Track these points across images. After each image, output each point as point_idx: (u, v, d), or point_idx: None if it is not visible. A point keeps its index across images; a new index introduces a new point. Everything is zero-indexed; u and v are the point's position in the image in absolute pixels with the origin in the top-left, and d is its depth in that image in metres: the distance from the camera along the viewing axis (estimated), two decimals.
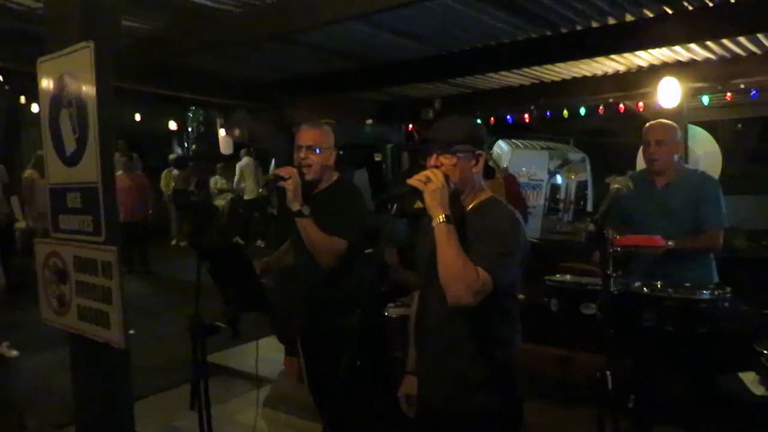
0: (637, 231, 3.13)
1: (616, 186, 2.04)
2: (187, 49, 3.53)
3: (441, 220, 1.88)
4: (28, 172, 7.89)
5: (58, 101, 1.87)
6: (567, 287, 3.21)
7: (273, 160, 10.78)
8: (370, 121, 6.22)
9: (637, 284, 2.95)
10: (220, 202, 11.95)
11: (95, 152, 1.74)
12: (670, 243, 3.01)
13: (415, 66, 4.27)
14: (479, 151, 2.03)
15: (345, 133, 6.09)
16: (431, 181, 1.91)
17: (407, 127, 6.53)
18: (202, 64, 4.41)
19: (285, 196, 2.59)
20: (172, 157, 12.37)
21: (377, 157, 6.70)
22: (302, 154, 2.70)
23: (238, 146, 9.70)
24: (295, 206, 2.55)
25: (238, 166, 11.03)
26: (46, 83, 1.91)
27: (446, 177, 1.95)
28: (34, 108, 6.56)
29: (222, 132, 7.65)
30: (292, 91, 5.02)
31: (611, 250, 2.70)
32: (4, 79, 5.23)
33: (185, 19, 3.34)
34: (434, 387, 2.13)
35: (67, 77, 1.80)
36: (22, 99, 5.78)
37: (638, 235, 3.08)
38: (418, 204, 1.99)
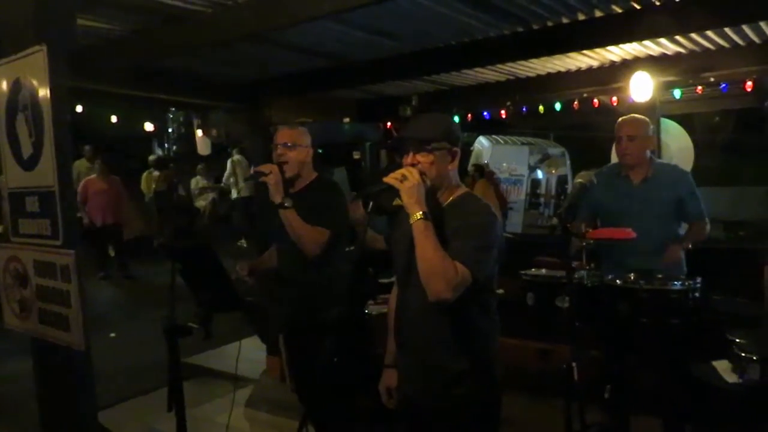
0: (615, 226, 3.18)
1: (579, 181, 2.08)
2: (160, 50, 3.50)
3: (418, 217, 1.90)
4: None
5: (14, 105, 1.87)
6: (542, 281, 3.25)
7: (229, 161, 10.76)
8: (348, 120, 6.22)
9: (610, 277, 3.00)
10: (201, 202, 11.89)
11: (51, 156, 1.74)
12: (684, 242, 3.20)
13: (391, 64, 4.28)
14: (455, 148, 2.06)
15: (323, 132, 6.09)
16: (407, 179, 1.94)
17: (385, 124, 6.54)
18: (177, 65, 4.38)
19: (267, 192, 2.65)
20: (152, 158, 12.26)
21: (356, 155, 6.72)
22: (279, 151, 2.79)
23: (216, 146, 9.66)
24: (277, 198, 2.63)
25: (229, 161, 10.93)
26: (2, 87, 1.90)
27: (422, 174, 1.97)
28: None
29: (199, 132, 7.61)
30: (269, 91, 5.01)
31: (583, 243, 2.76)
32: None
33: (156, 19, 3.31)
34: (415, 380, 2.16)
35: (22, 81, 1.80)
36: None
37: (609, 227, 3.14)
38: (397, 201, 2.01)
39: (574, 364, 1.75)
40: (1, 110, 1.91)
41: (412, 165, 2.02)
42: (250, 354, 5.22)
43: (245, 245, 10.34)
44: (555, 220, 1.98)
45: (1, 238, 7.55)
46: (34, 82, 1.74)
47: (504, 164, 11.80)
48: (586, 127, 10.80)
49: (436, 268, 1.87)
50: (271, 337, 4.64)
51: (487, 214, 2.03)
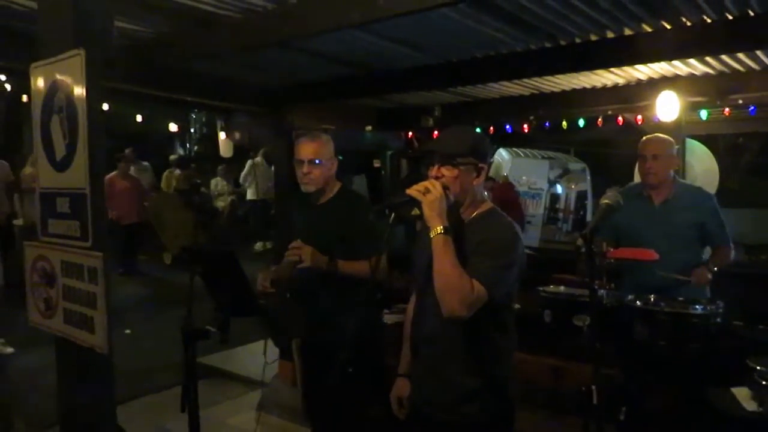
0: (630, 244, 3.14)
1: (606, 201, 2.05)
2: (188, 53, 3.54)
3: (439, 232, 1.89)
4: (29, 170, 7.92)
5: (49, 107, 1.89)
6: (560, 298, 3.22)
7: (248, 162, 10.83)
8: (369, 128, 6.24)
9: (629, 297, 2.96)
10: (220, 203, 11.99)
11: (84, 158, 1.76)
12: (711, 265, 3.13)
13: (415, 74, 4.28)
14: (481, 164, 2.04)
15: (345, 139, 6.11)
16: (430, 192, 1.93)
17: (407, 134, 6.55)
18: (203, 68, 4.43)
19: (289, 198, 2.63)
20: (173, 157, 12.42)
21: (376, 164, 6.73)
22: (305, 169, 2.70)
23: (238, 149, 9.73)
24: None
25: (249, 162, 10.98)
26: (38, 88, 1.94)
27: (446, 188, 1.97)
28: None
29: (222, 135, 7.69)
30: (292, 97, 5.05)
31: (605, 263, 2.73)
32: (5, 78, 5.25)
33: (186, 23, 3.35)
34: (427, 393, 2.15)
35: (59, 83, 1.82)
36: (24, 98, 5.79)
37: (629, 247, 3.10)
38: (415, 211, 2.01)
39: (594, 387, 1.73)
40: (37, 111, 1.94)
41: (436, 178, 2.01)
42: (262, 358, 5.24)
43: (261, 249, 10.39)
44: (580, 241, 1.96)
45: (22, 231, 7.67)
46: (71, 86, 1.77)
47: (523, 177, 11.72)
48: (607, 144, 10.72)
49: (452, 284, 1.86)
50: (284, 342, 4.64)
51: (509, 231, 2.02)
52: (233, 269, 2.19)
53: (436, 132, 5.86)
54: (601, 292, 3.01)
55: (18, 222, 8.18)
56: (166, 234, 8.52)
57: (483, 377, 2.05)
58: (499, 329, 2.08)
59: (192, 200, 10.92)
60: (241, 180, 11.50)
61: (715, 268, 3.15)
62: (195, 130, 14.53)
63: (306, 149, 2.71)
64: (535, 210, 11.68)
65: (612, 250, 2.88)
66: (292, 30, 2.95)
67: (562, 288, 3.37)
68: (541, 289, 3.36)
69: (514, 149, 11.65)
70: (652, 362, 2.87)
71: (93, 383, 1.85)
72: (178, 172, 11.81)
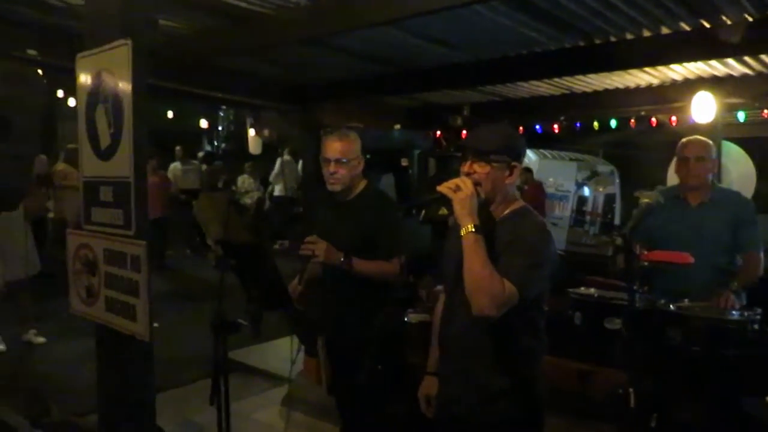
0: (664, 246, 3.07)
1: (645, 200, 2.00)
2: (221, 49, 3.57)
3: (469, 230, 1.86)
4: (62, 166, 8.10)
5: (94, 97, 1.91)
6: (592, 301, 3.17)
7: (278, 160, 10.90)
8: (398, 126, 6.22)
9: (662, 301, 2.90)
10: (246, 200, 12.09)
11: (129, 148, 1.77)
12: (734, 285, 2.96)
13: (445, 72, 4.26)
14: (514, 163, 2.01)
15: (373, 138, 6.11)
16: (461, 190, 1.90)
17: (435, 133, 6.52)
18: (234, 65, 4.47)
19: (315, 197, 2.63)
20: (200, 154, 12.57)
21: (404, 162, 6.71)
22: (331, 168, 2.68)
23: (266, 146, 9.80)
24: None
25: (279, 160, 11.03)
26: (84, 79, 1.95)
27: (477, 185, 1.94)
28: (71, 102, 6.73)
29: (251, 132, 7.73)
30: (321, 94, 5.06)
31: (638, 265, 2.67)
32: (42, 73, 5.35)
33: (220, 20, 3.38)
34: (455, 393, 2.13)
35: (105, 74, 1.84)
36: (60, 93, 5.92)
37: (662, 249, 3.03)
38: (443, 210, 1.99)
39: (631, 390, 1.69)
40: (82, 100, 1.97)
41: (468, 174, 1.99)
42: (287, 353, 5.26)
43: (285, 245, 10.45)
44: (618, 239, 1.92)
45: (54, 224, 7.83)
46: (117, 75, 1.79)
47: (550, 179, 11.58)
48: (636, 146, 10.52)
49: (483, 283, 1.83)
50: (310, 339, 4.65)
51: (541, 230, 1.99)
52: (265, 261, 2.20)
53: (464, 131, 5.83)
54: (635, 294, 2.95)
55: (51, 215, 8.37)
56: (211, 233, 8.60)
57: (511, 377, 2.02)
58: (529, 329, 2.05)
59: (235, 200, 11.03)
60: (271, 179, 11.56)
61: (742, 288, 3.03)
62: (223, 127, 14.69)
63: (333, 148, 2.70)
64: (562, 212, 11.54)
65: (646, 252, 2.81)
66: (325, 27, 2.95)
67: (592, 290, 3.31)
68: (571, 291, 3.30)
69: (541, 150, 11.52)
70: (685, 368, 2.80)
71: (133, 370, 1.87)
72: (204, 167, 11.96)
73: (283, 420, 4.43)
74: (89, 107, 1.95)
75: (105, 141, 1.90)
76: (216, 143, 15.04)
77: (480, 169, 1.98)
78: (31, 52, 3.53)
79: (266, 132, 6.25)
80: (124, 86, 1.76)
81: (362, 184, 2.81)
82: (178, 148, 10.07)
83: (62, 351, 5.41)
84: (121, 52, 1.73)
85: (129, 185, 1.81)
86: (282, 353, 5.15)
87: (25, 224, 5.42)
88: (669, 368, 2.85)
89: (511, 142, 2.03)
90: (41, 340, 5.60)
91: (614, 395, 1.83)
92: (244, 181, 12.31)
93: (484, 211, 1.97)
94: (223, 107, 12.55)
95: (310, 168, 5.25)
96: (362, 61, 4.23)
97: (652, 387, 2.94)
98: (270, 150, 11.09)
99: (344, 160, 2.67)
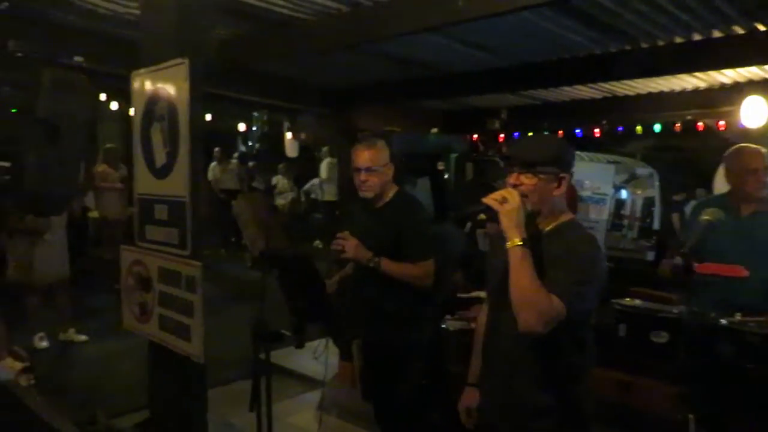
0: (714, 258, 2.97)
1: (707, 218, 1.92)
2: (262, 55, 3.59)
3: (516, 243, 1.82)
4: (102, 167, 8.31)
5: (150, 114, 1.90)
6: (637, 313, 3.08)
7: (322, 162, 10.92)
8: (435, 130, 6.17)
9: (712, 314, 2.79)
10: (280, 201, 12.18)
11: (186, 167, 1.76)
12: None
13: (485, 76, 4.20)
14: (563, 174, 1.96)
15: (409, 142, 6.07)
16: (507, 202, 1.86)
17: (472, 136, 6.45)
18: (272, 69, 4.49)
19: (353, 200, 2.63)
20: (235, 155, 12.71)
21: (440, 166, 6.66)
22: (362, 177, 2.75)
23: (303, 149, 9.84)
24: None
25: (326, 162, 11.05)
26: (139, 96, 1.95)
27: (523, 197, 1.90)
28: (113, 105, 6.87)
29: (288, 135, 7.76)
30: (358, 98, 5.05)
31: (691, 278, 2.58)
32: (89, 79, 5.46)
33: (261, 25, 3.39)
34: (498, 407, 2.09)
35: (161, 91, 1.84)
36: (103, 96, 6.04)
37: (716, 263, 2.92)
38: (481, 216, 1.95)
39: (691, 416, 1.62)
40: (138, 117, 1.97)
41: (514, 186, 1.94)
42: (322, 357, 5.27)
43: (321, 246, 10.49)
44: (678, 259, 1.85)
45: (95, 223, 8.00)
46: (174, 94, 1.79)
47: (587, 182, 11.35)
48: (675, 149, 10.25)
49: (530, 298, 1.79)
50: (345, 343, 4.65)
51: (591, 245, 1.93)
52: (310, 274, 2.19)
53: (502, 135, 5.74)
54: (682, 307, 2.86)
55: (93, 214, 8.58)
56: (248, 234, 8.65)
57: (557, 394, 1.97)
58: (576, 346, 2.00)
59: (272, 200, 11.10)
60: (322, 178, 11.52)
61: None
62: (257, 129, 14.81)
63: (362, 157, 2.76)
64: (599, 216, 11.30)
65: (697, 264, 2.72)
66: (366, 33, 2.93)
67: (638, 302, 3.22)
68: (615, 301, 3.22)
69: (578, 152, 11.29)
70: (736, 385, 2.69)
71: (186, 389, 1.87)
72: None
73: (318, 424, 4.44)
74: (144, 124, 1.95)
75: (160, 159, 1.90)
76: (250, 144, 15.17)
77: (527, 180, 1.93)
78: (78, 58, 3.59)
79: (303, 135, 6.28)
80: (181, 105, 1.75)
81: (393, 191, 2.85)
82: (216, 149, 10.21)
83: (100, 350, 5.52)
84: (178, 70, 1.73)
85: (185, 205, 1.80)
86: (316, 356, 5.15)
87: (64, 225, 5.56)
88: (720, 385, 2.75)
89: (559, 152, 1.98)
90: (82, 338, 5.72)
91: (672, 421, 1.75)
92: (278, 181, 12.42)
93: (530, 224, 1.93)
94: (257, 110, 12.64)
95: (346, 171, 5.24)
96: (400, 65, 4.21)
97: (697, 402, 2.85)
98: (306, 152, 11.14)
99: (374, 168, 2.73)
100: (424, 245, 2.68)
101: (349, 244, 2.61)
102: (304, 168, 12.15)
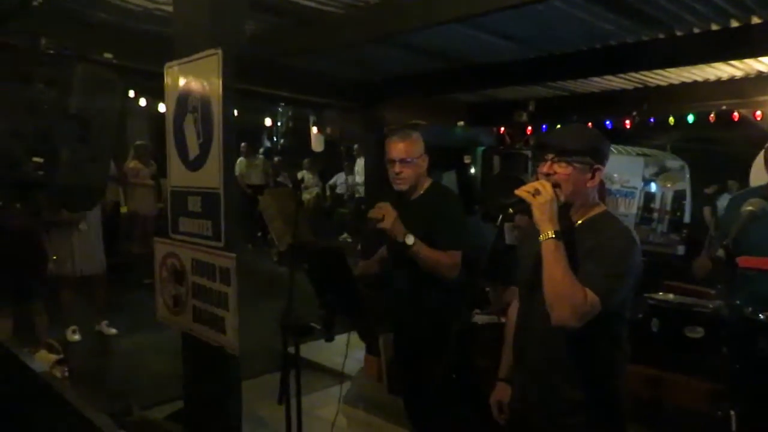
0: (757, 252, 2.88)
1: (750, 208, 1.87)
2: (290, 50, 3.58)
3: (549, 236, 1.79)
4: (133, 163, 8.47)
5: (183, 106, 1.91)
6: (671, 307, 3.02)
7: (358, 160, 10.91)
8: (461, 123, 6.12)
9: (750, 309, 2.72)
10: (306, 196, 12.23)
11: (218, 158, 1.77)
12: None
13: (514, 68, 4.14)
14: (597, 165, 1.92)
15: (435, 135, 6.02)
16: (540, 194, 1.83)
17: (499, 129, 6.38)
18: (298, 63, 4.49)
19: (383, 198, 2.62)
20: (260, 151, 12.81)
21: (467, 159, 6.60)
22: (396, 169, 2.72)
23: (328, 144, 9.86)
24: (399, 239, 2.57)
25: (358, 163, 11.05)
26: (172, 88, 1.96)
27: (556, 188, 1.86)
28: (142, 102, 6.95)
29: (314, 130, 7.79)
30: (385, 92, 5.02)
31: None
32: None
33: (289, 20, 3.39)
34: (530, 400, 2.07)
35: (194, 83, 1.84)
36: (131, 93, 6.12)
37: (757, 256, 2.84)
38: (510, 210, 1.93)
39: (732, 413, 1.58)
40: (171, 110, 1.98)
41: (547, 175, 1.91)
42: (348, 350, 5.27)
43: (349, 240, 10.52)
44: (721, 251, 1.80)
45: (126, 218, 8.15)
46: (206, 85, 1.79)
47: (615, 175, 11.15)
48: (704, 140, 10.01)
49: (564, 292, 1.76)
50: (370, 337, 4.66)
51: (625, 237, 1.89)
52: (341, 268, 2.19)
53: (529, 127, 5.67)
54: (718, 302, 2.79)
55: (124, 209, 8.76)
56: (275, 228, 8.71)
57: (591, 389, 1.95)
58: (611, 340, 1.97)
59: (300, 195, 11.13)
60: (356, 176, 11.54)
61: None
62: (281, 123, 14.87)
63: (396, 149, 2.73)
64: (628, 209, 11.10)
65: (739, 258, 2.64)
66: (395, 25, 2.90)
67: (671, 296, 3.16)
68: (647, 295, 3.17)
69: None
70: None
71: (222, 382, 1.88)
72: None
73: (345, 417, 4.45)
74: (177, 116, 1.95)
75: (194, 151, 1.90)
76: (275, 139, 15.25)
77: (561, 170, 1.90)
78: (108, 55, 3.64)
79: (329, 129, 6.29)
80: (214, 96, 1.76)
81: (427, 183, 2.83)
82: (243, 144, 10.29)
83: (130, 343, 5.62)
84: (211, 61, 1.73)
85: (218, 196, 1.80)
86: (343, 349, 5.17)
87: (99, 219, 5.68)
88: (757, 382, 2.68)
89: (595, 143, 1.95)
90: (113, 331, 5.84)
91: (714, 417, 1.71)
92: (303, 176, 12.47)
93: (563, 216, 1.90)
94: (282, 104, 12.70)
95: (372, 165, 5.22)
96: (428, 58, 4.17)
97: (751, 405, 2.77)
98: (330, 147, 11.15)
99: (408, 160, 2.70)
100: (454, 235, 2.65)
101: (388, 214, 2.57)
102: (329, 163, 12.17)
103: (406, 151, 2.72)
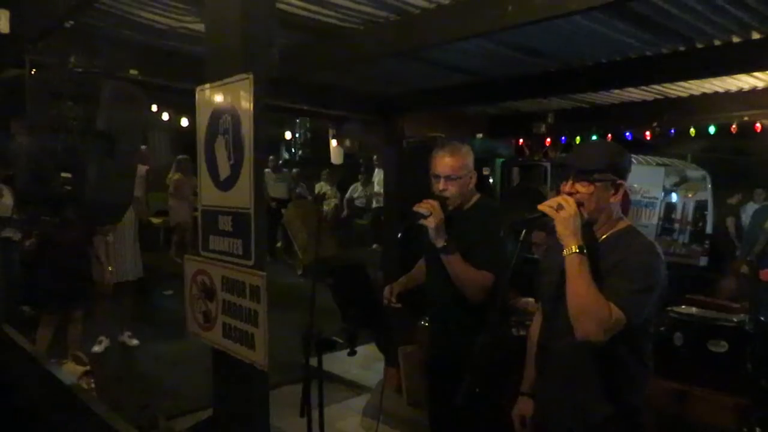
0: None
1: None
2: (310, 65, 3.63)
3: (573, 251, 1.80)
4: (177, 176, 8.81)
5: (214, 128, 1.94)
6: (694, 321, 3.00)
7: (377, 171, 10.95)
8: (480, 135, 6.13)
9: None
10: (324, 207, 12.29)
11: (249, 180, 1.79)
12: None
13: (533, 81, 4.15)
14: (620, 181, 1.93)
15: None
16: (563, 209, 1.84)
17: (518, 141, 6.38)
18: (318, 78, 4.54)
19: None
20: (279, 163, 12.93)
21: (485, 171, 6.59)
22: (441, 185, 2.54)
23: (347, 156, 9.90)
24: (439, 242, 2.42)
25: (377, 174, 11.08)
26: (204, 110, 2.00)
27: (580, 205, 1.87)
28: (165, 116, 7.08)
29: (333, 142, 7.85)
30: (404, 105, 5.05)
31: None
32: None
33: (309, 35, 3.44)
34: (554, 417, 2.07)
35: (225, 105, 1.88)
36: (154, 107, 6.22)
37: None
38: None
39: (758, 430, 1.57)
40: (202, 131, 2.03)
41: (570, 194, 1.92)
42: (367, 362, 5.28)
43: (376, 248, 10.53)
44: (745, 268, 1.80)
45: (167, 228, 8.40)
46: (238, 108, 1.82)
47: (635, 185, 11.04)
48: (725, 150, 9.90)
49: (588, 307, 1.76)
50: (390, 350, 4.65)
51: (650, 252, 1.89)
52: (364, 283, 2.20)
53: (548, 139, 5.66)
54: (742, 316, 2.76)
55: (157, 221, 9.14)
56: (298, 241, 8.79)
57: (615, 405, 1.94)
58: (635, 355, 1.96)
59: (321, 207, 11.17)
60: (376, 186, 11.58)
61: None
62: (299, 135, 15.00)
63: (443, 163, 2.54)
64: (649, 220, 10.95)
65: (763, 272, 2.63)
66: (415, 40, 2.93)
67: (694, 309, 3.14)
68: (670, 309, 3.14)
69: None
70: None
71: (249, 400, 1.91)
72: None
73: (365, 430, 4.45)
74: (208, 138, 1.99)
75: (224, 172, 1.93)
76: (293, 150, 15.38)
77: (583, 189, 1.90)
78: (133, 71, 3.72)
79: (348, 142, 6.34)
80: (246, 119, 1.79)
81: (475, 197, 2.66)
82: (271, 157, 10.43)
83: (152, 354, 5.68)
84: (242, 85, 1.76)
85: (249, 216, 1.82)
86: (361, 361, 5.17)
87: (134, 229, 5.78)
88: None
89: (615, 159, 1.95)
90: (135, 342, 5.89)
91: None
92: (322, 187, 12.54)
93: (586, 232, 1.90)
94: (299, 116, 12.84)
95: (392, 178, 5.25)
96: (448, 72, 4.20)
97: (754, 409, 2.74)
98: (349, 159, 11.22)
99: (454, 177, 2.53)
100: (492, 255, 2.48)
101: (436, 212, 2.40)
102: (346, 174, 12.25)
103: (452, 167, 2.52)
